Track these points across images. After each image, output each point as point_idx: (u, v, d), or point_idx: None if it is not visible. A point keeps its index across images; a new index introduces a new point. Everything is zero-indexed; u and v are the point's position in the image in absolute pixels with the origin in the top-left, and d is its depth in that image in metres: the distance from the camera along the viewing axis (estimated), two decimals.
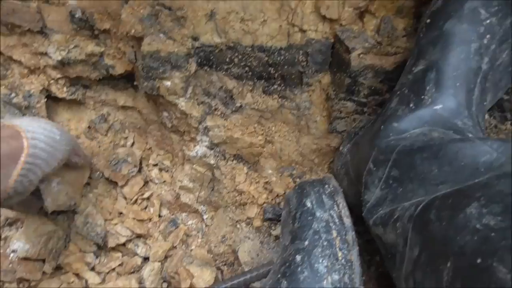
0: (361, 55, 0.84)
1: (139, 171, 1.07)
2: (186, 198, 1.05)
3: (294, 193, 0.74)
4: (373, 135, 0.72)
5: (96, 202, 1.04)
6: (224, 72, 0.92)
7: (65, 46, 0.93)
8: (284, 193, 0.98)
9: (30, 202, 0.86)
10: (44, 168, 0.73)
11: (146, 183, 1.07)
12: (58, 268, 0.96)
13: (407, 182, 0.60)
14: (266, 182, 1.01)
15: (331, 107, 0.92)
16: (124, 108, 1.09)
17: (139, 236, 1.02)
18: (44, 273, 0.94)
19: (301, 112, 0.95)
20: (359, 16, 0.87)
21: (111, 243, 0.99)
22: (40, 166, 0.71)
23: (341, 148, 0.91)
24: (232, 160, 1.02)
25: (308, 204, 0.66)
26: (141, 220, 1.03)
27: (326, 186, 0.71)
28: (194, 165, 1.03)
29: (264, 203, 0.97)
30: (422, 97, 0.70)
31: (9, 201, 0.71)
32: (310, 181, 0.73)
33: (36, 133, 0.71)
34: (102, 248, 0.98)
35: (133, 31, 0.86)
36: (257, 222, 0.96)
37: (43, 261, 0.95)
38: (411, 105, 0.70)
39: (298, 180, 1.00)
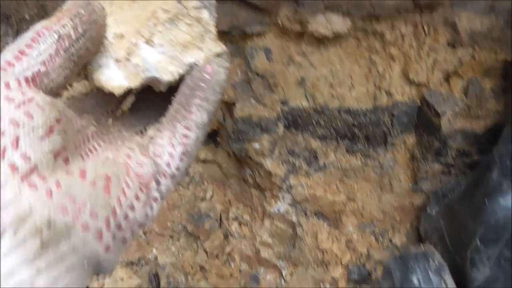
0: (451, 119, 0.84)
1: (220, 225, 1.10)
2: (265, 253, 1.06)
3: (396, 264, 0.74)
4: (477, 209, 0.71)
5: (178, 255, 1.08)
6: (309, 133, 0.94)
7: None
8: (368, 252, 0.98)
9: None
10: None
11: (226, 237, 1.10)
12: None
13: None
14: (348, 240, 1.01)
15: (416, 167, 0.92)
16: (204, 161, 1.13)
17: None
18: None
19: (384, 170, 0.95)
20: (446, 78, 0.88)
21: None
22: None
23: (428, 209, 0.91)
24: (313, 217, 1.02)
25: (415, 281, 0.66)
26: (223, 276, 1.05)
27: (431, 261, 0.71)
28: (275, 221, 1.04)
29: (348, 263, 0.97)
30: None
31: None
32: (413, 254, 0.73)
33: None
34: None
35: (226, 97, 0.90)
36: (342, 283, 0.96)
37: None
38: None
39: (380, 238, 1.00)
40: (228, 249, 1.07)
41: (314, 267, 1.01)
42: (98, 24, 0.31)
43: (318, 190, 0.99)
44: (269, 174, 0.97)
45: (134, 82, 0.34)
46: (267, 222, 1.06)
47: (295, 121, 0.92)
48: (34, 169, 0.25)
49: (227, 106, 0.93)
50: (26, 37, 0.27)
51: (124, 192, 0.29)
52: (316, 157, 0.97)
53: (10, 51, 0.27)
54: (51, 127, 0.26)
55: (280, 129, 0.92)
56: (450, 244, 0.78)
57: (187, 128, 0.32)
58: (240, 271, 1.08)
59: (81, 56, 0.29)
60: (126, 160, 0.31)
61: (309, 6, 0.77)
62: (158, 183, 0.32)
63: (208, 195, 1.13)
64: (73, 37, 0.28)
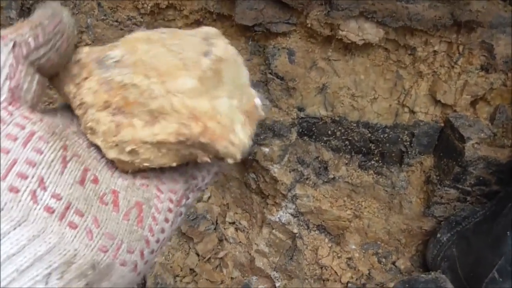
0: (476, 146, 0.80)
1: (215, 228, 1.05)
2: (260, 262, 1.01)
3: None
4: (496, 240, 0.68)
5: (168, 255, 1.02)
6: (322, 143, 0.89)
7: None
8: (369, 273, 0.94)
9: None
10: None
11: (220, 241, 1.04)
12: None
13: None
14: (349, 258, 0.96)
15: (431, 191, 0.88)
16: None
17: None
18: None
19: (396, 190, 0.91)
20: (471, 103, 0.84)
21: None
22: None
23: (438, 235, 0.87)
24: (315, 231, 0.98)
25: None
26: (213, 281, 0.99)
27: None
28: (274, 230, 0.99)
29: (348, 282, 0.93)
30: None
31: None
32: (423, 281, 0.69)
33: None
34: None
35: None
36: None
37: None
38: None
39: (383, 259, 0.95)
40: (221, 254, 1.02)
41: (310, 282, 0.96)
42: (66, 35, 0.27)
43: (324, 203, 0.94)
44: (274, 180, 0.92)
45: None
46: (265, 230, 1.01)
47: (310, 129, 0.87)
48: (68, 206, 0.24)
49: None
50: None
51: (155, 219, 0.29)
52: (326, 169, 0.92)
53: None
54: (64, 157, 0.25)
55: (293, 135, 0.87)
56: (462, 273, 0.74)
57: None
58: (231, 278, 1.02)
59: (44, 66, 0.26)
60: (159, 175, 0.30)
61: (343, 10, 0.72)
62: (187, 198, 0.31)
63: (206, 196, 1.08)
64: (32, 45, 0.25)
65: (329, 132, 0.87)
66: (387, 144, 0.87)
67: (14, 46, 0.25)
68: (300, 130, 0.88)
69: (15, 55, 0.25)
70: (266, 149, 0.87)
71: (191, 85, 0.25)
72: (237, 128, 0.26)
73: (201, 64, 0.26)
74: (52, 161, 0.24)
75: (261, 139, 0.86)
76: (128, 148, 0.27)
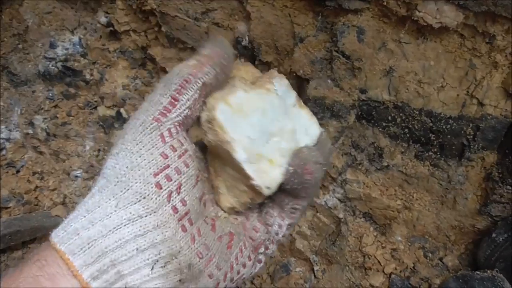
0: None
1: None
2: (300, 244, 1.00)
3: (457, 285, 0.67)
4: None
5: None
6: (380, 129, 0.87)
7: None
8: (414, 266, 0.91)
9: None
10: None
11: None
12: None
13: None
14: (394, 249, 0.94)
15: (490, 188, 0.84)
16: None
17: None
18: None
19: (451, 185, 0.88)
20: None
21: None
22: None
23: (494, 235, 0.83)
24: (361, 218, 0.96)
25: None
26: None
27: None
28: (318, 214, 0.97)
29: (391, 273, 0.90)
30: None
31: None
32: (478, 278, 0.66)
33: None
34: None
35: (301, 71, 0.82)
36: None
37: None
38: None
39: (430, 254, 0.93)
40: None
41: (351, 270, 0.95)
42: (230, 69, 0.34)
43: (374, 191, 0.92)
44: None
45: None
46: (308, 213, 0.99)
47: (370, 113, 0.85)
48: (187, 212, 0.30)
49: (300, 80, 0.85)
50: (175, 82, 0.31)
51: (241, 251, 0.35)
52: (381, 156, 0.89)
53: (164, 97, 0.31)
54: (197, 176, 0.32)
55: (352, 118, 0.85)
56: None
57: (294, 208, 0.36)
58: (270, 257, 1.02)
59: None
60: (244, 222, 0.36)
61: None
62: (266, 248, 0.37)
63: None
64: (213, 85, 0.32)
65: (389, 117, 0.84)
66: (449, 136, 0.84)
67: (202, 85, 0.31)
68: (359, 113, 0.85)
69: (200, 93, 0.31)
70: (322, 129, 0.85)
71: None
72: None
73: None
74: (192, 175, 0.31)
75: (318, 118, 0.84)
76: None
